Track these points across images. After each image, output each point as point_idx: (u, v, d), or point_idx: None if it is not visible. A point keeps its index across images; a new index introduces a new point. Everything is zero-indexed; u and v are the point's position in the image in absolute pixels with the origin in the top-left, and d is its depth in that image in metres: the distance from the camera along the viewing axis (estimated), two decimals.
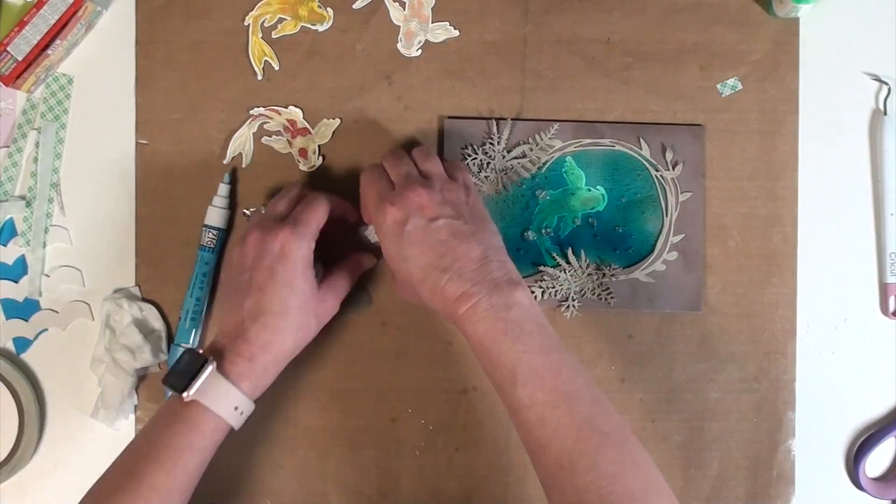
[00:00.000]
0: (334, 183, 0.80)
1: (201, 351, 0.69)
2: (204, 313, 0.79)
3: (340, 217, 0.77)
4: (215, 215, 0.78)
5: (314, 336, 0.73)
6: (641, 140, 0.80)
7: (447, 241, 0.67)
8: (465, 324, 0.66)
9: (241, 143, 0.80)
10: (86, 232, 0.80)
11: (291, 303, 0.70)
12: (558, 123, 0.80)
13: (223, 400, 0.68)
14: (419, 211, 0.68)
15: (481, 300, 0.65)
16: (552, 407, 0.63)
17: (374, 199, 0.71)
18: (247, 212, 0.79)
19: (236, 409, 0.68)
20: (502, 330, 0.65)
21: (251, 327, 0.68)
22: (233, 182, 0.80)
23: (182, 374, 0.67)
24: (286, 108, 0.80)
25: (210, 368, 0.67)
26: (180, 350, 0.78)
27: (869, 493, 0.81)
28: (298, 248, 0.70)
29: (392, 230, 0.68)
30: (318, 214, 0.72)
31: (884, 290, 0.81)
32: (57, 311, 0.80)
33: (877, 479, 0.82)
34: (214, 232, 0.78)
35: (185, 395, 0.66)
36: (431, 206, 0.68)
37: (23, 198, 0.80)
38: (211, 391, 0.67)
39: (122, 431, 0.79)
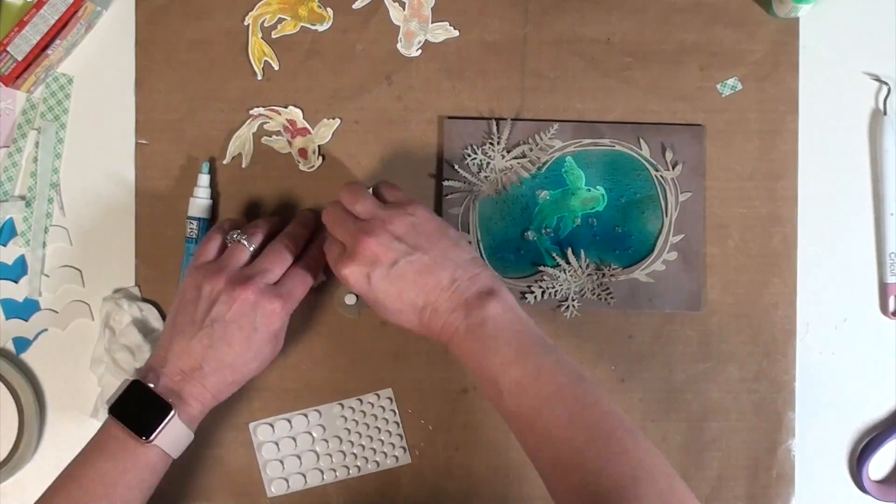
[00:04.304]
0: (333, 184, 0.80)
1: (151, 385, 0.69)
2: None
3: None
4: (196, 206, 0.79)
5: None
6: (641, 140, 0.80)
7: (414, 280, 0.68)
8: (452, 348, 0.69)
9: (241, 143, 0.80)
10: (86, 232, 0.80)
11: (254, 365, 0.72)
12: (558, 123, 0.80)
13: (180, 443, 0.69)
14: (375, 262, 0.68)
15: (459, 325, 0.68)
16: (537, 412, 0.64)
17: (334, 263, 0.71)
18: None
19: (186, 446, 0.70)
20: (482, 347, 0.67)
21: (210, 376, 0.70)
22: (212, 172, 0.80)
23: (140, 413, 0.68)
24: (286, 108, 0.80)
25: (175, 417, 0.68)
26: None
27: (872, 496, 0.80)
28: (280, 321, 0.72)
29: (358, 287, 0.69)
30: (306, 289, 0.74)
31: (884, 290, 0.81)
32: (57, 311, 0.80)
33: (880, 482, 0.82)
34: (195, 222, 0.78)
35: (144, 438, 0.67)
36: (385, 252, 0.68)
37: (23, 198, 0.80)
38: (170, 436, 0.68)
39: None
